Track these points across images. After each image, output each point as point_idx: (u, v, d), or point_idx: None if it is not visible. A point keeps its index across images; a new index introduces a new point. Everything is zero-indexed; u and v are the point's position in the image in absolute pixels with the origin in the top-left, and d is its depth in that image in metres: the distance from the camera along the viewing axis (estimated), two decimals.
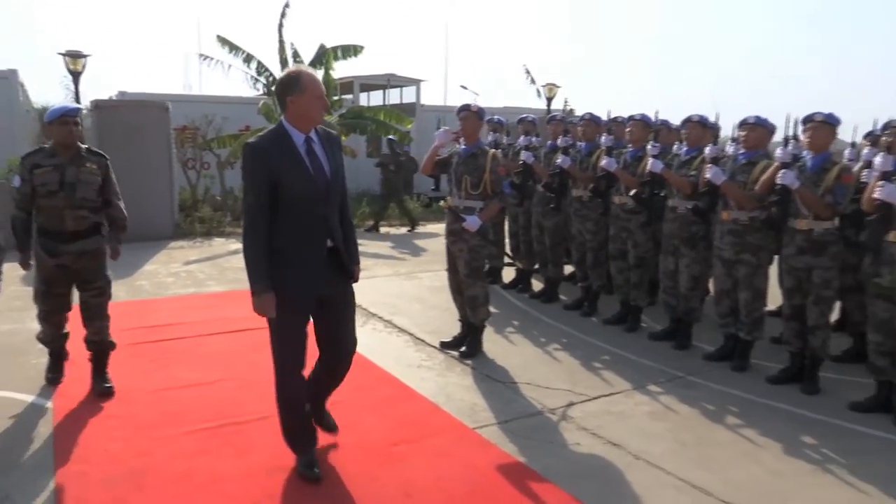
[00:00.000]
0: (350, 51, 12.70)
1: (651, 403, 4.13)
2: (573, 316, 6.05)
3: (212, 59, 12.60)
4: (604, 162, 5.41)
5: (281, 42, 12.13)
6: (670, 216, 5.06)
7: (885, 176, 3.67)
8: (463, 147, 4.83)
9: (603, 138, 5.62)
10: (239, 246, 9.72)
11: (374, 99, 19.16)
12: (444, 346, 5.07)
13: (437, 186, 8.03)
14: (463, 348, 4.92)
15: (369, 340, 5.16)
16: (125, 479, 3.11)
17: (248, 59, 12.38)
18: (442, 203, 8.59)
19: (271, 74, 12.55)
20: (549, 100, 15.66)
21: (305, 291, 2.90)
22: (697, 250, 4.98)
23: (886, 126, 4.69)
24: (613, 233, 5.59)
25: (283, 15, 12.08)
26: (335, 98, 12.61)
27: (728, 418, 3.94)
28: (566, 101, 16.97)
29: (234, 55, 12.32)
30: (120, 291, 6.24)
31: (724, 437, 3.70)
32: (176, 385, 4.28)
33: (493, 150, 4.92)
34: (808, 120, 4.24)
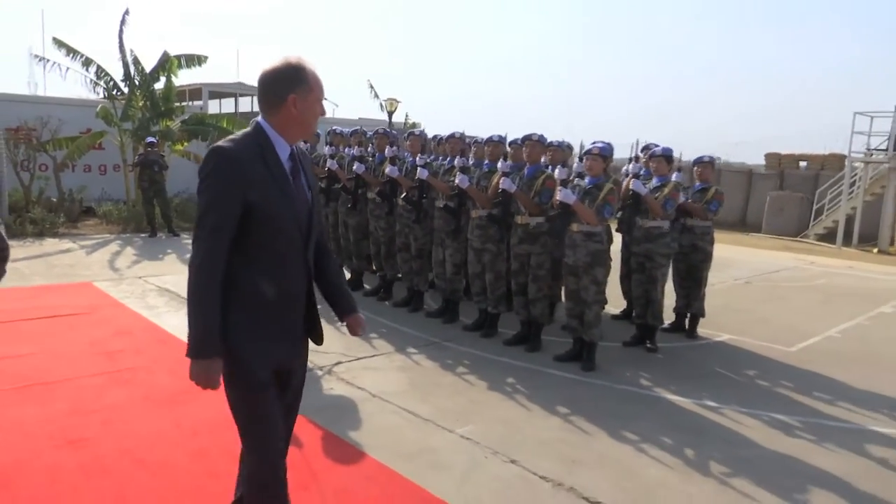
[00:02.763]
0: (194, 60, 13.19)
1: (404, 361, 5.18)
2: (371, 301, 7.05)
3: (48, 60, 12.64)
4: (387, 170, 6.45)
5: (121, 47, 12.40)
6: (438, 215, 6.16)
7: (563, 183, 4.94)
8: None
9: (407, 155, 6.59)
10: (72, 244, 10.03)
11: (227, 106, 19.52)
12: None
13: None
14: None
15: (181, 324, 5.90)
16: None
17: (88, 62, 12.53)
18: None
19: (112, 79, 12.76)
20: (391, 114, 16.78)
21: (271, 353, 2.12)
22: (459, 242, 6.12)
23: (647, 147, 6.08)
24: (398, 228, 6.65)
25: (122, 21, 12.37)
26: (178, 105, 13.02)
27: (459, 369, 5.06)
28: (407, 115, 18.19)
29: (73, 58, 12.43)
30: None
31: (448, 381, 4.80)
32: None
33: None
34: (526, 138, 5.49)
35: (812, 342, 6.29)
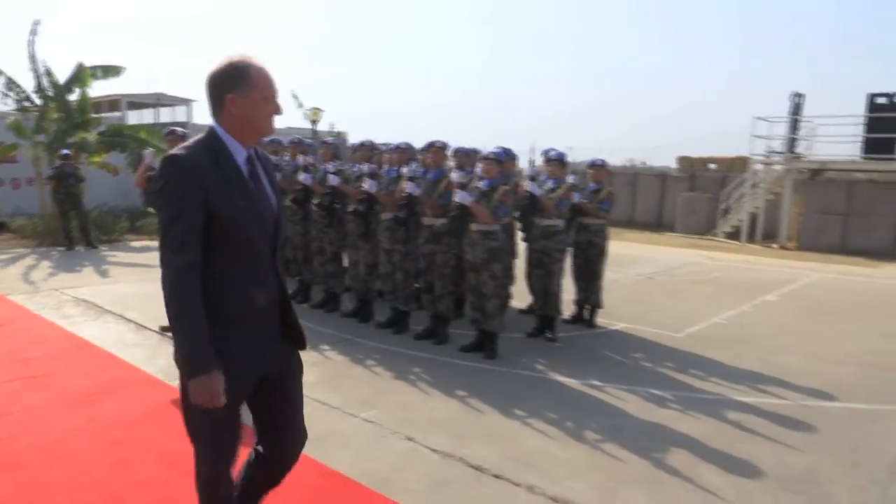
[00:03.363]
0: (111, 71, 13.07)
1: (316, 357, 5.46)
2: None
3: None
4: (300, 177, 6.73)
5: (32, 58, 12.20)
6: (350, 219, 6.46)
7: (462, 186, 5.35)
8: None
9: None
10: None
11: (147, 117, 19.27)
12: (164, 329, 6.03)
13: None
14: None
15: (98, 332, 6.01)
16: None
17: None
18: None
19: (24, 91, 12.54)
20: (314, 122, 16.98)
21: (254, 365, 2.12)
22: (372, 244, 6.44)
23: (547, 151, 6.51)
24: (314, 233, 6.92)
25: (33, 32, 12.18)
26: (94, 116, 12.88)
27: (368, 362, 5.38)
28: (332, 125, 18.43)
29: None
30: None
31: (357, 373, 5.11)
32: None
33: None
34: (429, 145, 5.89)
35: (698, 328, 6.90)
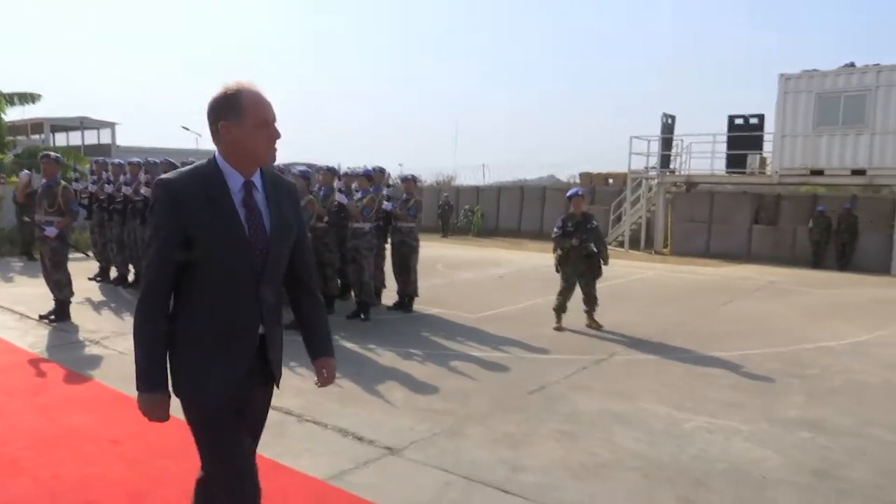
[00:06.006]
0: (27, 98, 14.24)
1: None
2: None
3: None
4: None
5: None
6: None
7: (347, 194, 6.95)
8: (44, 181, 7.24)
9: None
10: None
11: (74, 139, 20.35)
12: (41, 317, 7.34)
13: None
14: (52, 316, 7.24)
15: None
16: None
17: None
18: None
19: None
20: None
21: (219, 395, 2.08)
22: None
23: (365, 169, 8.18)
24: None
25: None
26: (10, 139, 14.06)
27: None
28: None
29: None
30: None
31: None
32: None
33: (65, 182, 7.40)
34: (329, 168, 7.51)
35: (494, 312, 8.48)
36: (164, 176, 2.05)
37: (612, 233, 21.03)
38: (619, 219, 21.28)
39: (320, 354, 2.36)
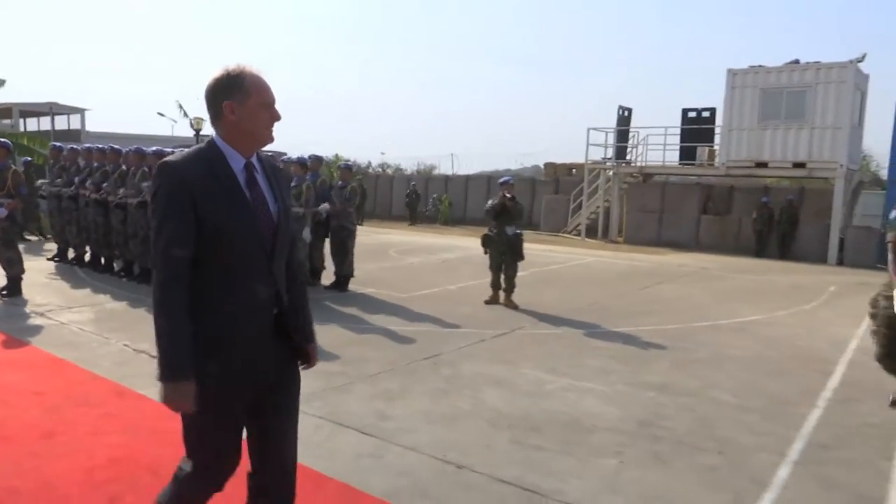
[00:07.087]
0: None
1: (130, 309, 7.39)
2: (123, 281, 9.20)
3: None
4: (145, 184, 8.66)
5: None
6: None
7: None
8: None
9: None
10: None
11: (44, 124, 20.69)
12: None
13: None
14: (4, 291, 7.76)
15: None
16: None
17: None
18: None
19: None
20: (198, 132, 18.76)
21: (245, 381, 2.10)
22: None
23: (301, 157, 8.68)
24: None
25: None
26: None
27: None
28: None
29: None
30: None
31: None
32: None
33: (14, 167, 7.90)
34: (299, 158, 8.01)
35: (425, 292, 9.09)
36: (167, 159, 2.04)
37: (570, 222, 21.71)
38: (579, 208, 21.93)
39: (308, 338, 2.32)
